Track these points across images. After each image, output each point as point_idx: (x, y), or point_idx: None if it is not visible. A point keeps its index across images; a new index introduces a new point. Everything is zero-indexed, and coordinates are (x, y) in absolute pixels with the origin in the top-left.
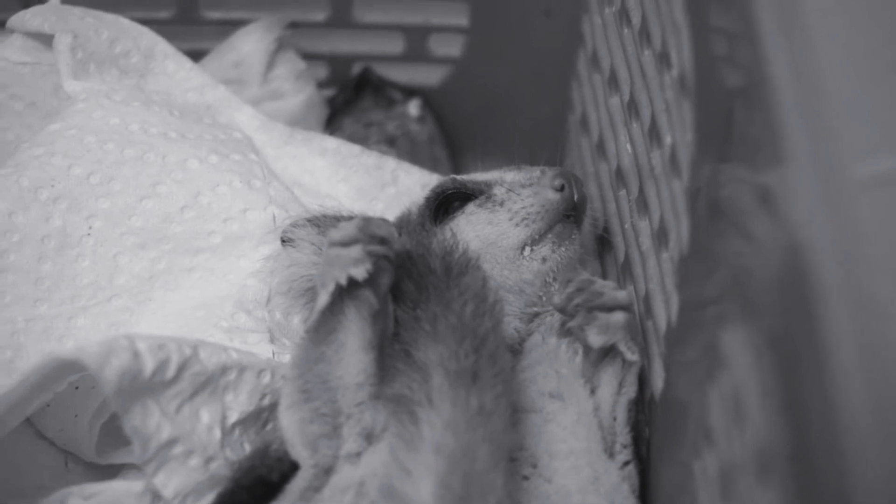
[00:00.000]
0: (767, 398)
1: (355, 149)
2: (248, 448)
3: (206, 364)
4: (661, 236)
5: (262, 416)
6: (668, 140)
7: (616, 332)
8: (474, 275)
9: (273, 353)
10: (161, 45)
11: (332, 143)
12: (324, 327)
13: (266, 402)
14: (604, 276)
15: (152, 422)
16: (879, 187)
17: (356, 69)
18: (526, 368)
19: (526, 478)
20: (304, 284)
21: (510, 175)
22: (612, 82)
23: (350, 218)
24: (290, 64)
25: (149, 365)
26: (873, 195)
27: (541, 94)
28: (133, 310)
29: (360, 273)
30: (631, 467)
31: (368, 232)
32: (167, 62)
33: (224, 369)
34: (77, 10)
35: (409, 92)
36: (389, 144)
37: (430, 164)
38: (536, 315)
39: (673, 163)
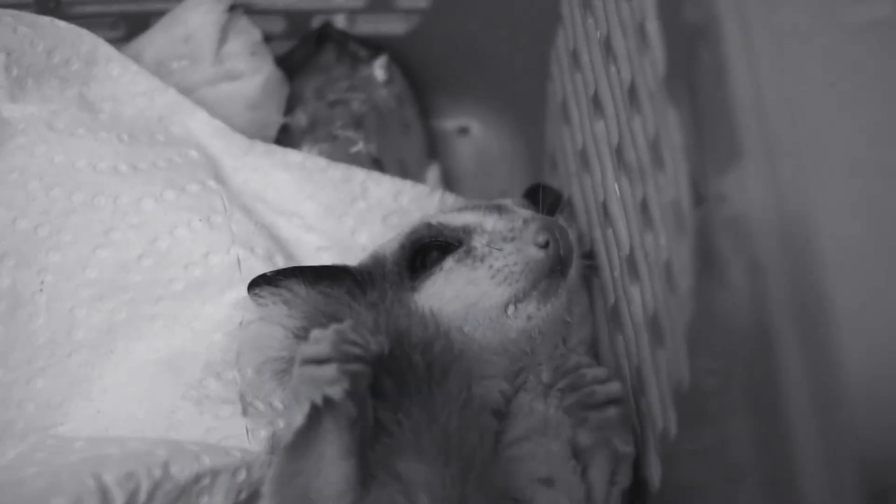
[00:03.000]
0: None
1: (321, 162)
2: None
3: (178, 479)
4: (654, 325)
5: None
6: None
7: (609, 429)
8: (457, 377)
9: (247, 430)
10: (103, 48)
11: (295, 157)
12: (301, 443)
13: (243, 496)
14: (591, 304)
15: None
16: None
17: (316, 23)
18: (513, 443)
19: None
20: (276, 366)
21: (490, 222)
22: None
23: (321, 319)
24: (244, 36)
25: (119, 500)
26: None
27: (518, 43)
28: (94, 364)
29: (336, 392)
30: None
31: (342, 350)
32: (111, 66)
33: (197, 478)
34: (8, 19)
35: (375, 47)
36: (357, 128)
37: (401, 130)
38: (521, 370)
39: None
